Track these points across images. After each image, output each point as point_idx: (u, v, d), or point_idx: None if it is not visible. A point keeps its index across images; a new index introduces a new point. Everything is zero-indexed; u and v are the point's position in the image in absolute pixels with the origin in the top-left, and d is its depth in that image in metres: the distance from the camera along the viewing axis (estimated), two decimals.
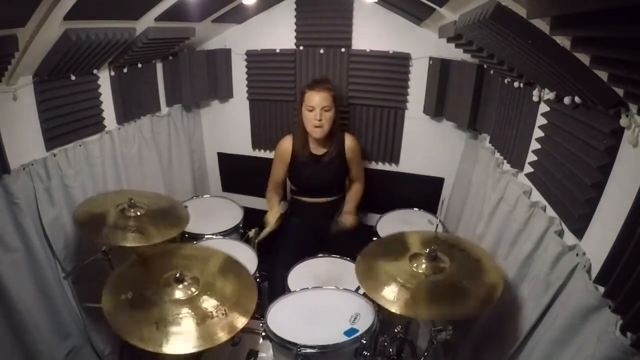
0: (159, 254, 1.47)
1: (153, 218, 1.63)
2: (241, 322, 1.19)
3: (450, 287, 1.26)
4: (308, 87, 2.04)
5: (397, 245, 1.47)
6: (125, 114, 2.07)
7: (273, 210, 2.15)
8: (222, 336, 1.14)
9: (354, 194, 2.24)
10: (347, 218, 2.10)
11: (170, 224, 1.63)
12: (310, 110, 1.99)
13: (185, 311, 1.20)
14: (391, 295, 1.22)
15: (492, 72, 1.80)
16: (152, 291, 1.26)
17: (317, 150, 2.13)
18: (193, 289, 1.28)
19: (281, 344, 1.30)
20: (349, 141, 2.16)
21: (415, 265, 1.34)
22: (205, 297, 1.26)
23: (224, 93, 2.61)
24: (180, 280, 1.28)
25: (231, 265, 1.44)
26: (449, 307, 1.20)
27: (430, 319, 1.21)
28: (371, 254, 1.45)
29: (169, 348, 1.08)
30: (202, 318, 1.18)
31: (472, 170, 2.00)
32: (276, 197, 2.25)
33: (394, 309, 1.19)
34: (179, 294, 1.26)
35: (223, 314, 1.20)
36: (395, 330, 1.52)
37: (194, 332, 1.14)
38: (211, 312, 1.20)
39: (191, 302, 1.24)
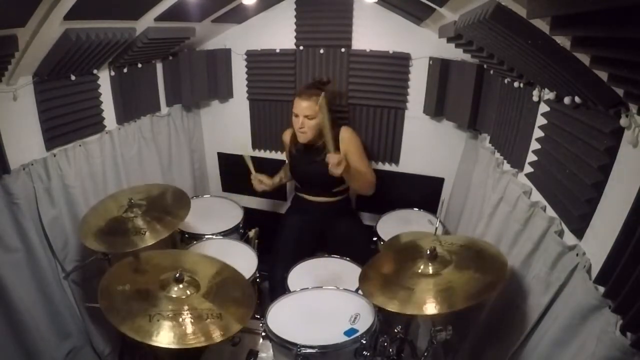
0: (156, 258, 1.46)
1: (155, 211, 1.63)
2: (234, 328, 1.19)
3: (458, 279, 1.25)
4: (298, 92, 2.04)
5: (403, 256, 1.46)
6: (125, 114, 2.07)
7: (268, 178, 2.22)
8: (217, 336, 1.15)
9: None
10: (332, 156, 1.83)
11: (174, 210, 1.65)
12: (296, 116, 2.00)
13: (179, 309, 1.20)
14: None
15: (492, 72, 1.80)
16: (150, 286, 1.27)
17: (315, 146, 2.12)
18: (190, 291, 1.29)
19: (281, 344, 1.30)
20: (343, 134, 2.07)
21: (421, 267, 1.33)
22: (201, 299, 1.26)
23: (224, 93, 2.60)
24: (179, 280, 1.28)
25: (230, 275, 1.44)
26: (461, 297, 1.18)
27: (446, 312, 1.18)
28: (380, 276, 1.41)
29: (159, 340, 1.09)
30: (197, 319, 1.19)
31: (472, 170, 2.00)
32: (281, 173, 2.35)
33: (410, 311, 1.18)
34: (176, 292, 1.27)
35: (217, 317, 1.20)
36: (395, 330, 1.52)
37: (186, 329, 1.14)
38: (206, 314, 1.20)
39: (186, 302, 1.24)
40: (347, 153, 2.07)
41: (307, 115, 1.97)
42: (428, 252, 1.33)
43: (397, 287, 1.27)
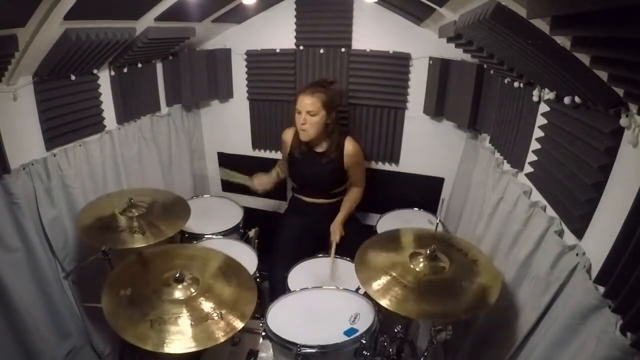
0: (160, 254, 1.47)
1: (155, 215, 1.63)
2: (237, 326, 1.18)
3: (444, 287, 1.27)
4: (301, 89, 2.04)
5: (396, 241, 1.49)
6: (125, 114, 2.07)
7: (266, 175, 2.25)
8: (219, 338, 1.13)
9: (349, 199, 2.19)
10: (333, 228, 2.07)
11: (172, 219, 1.64)
12: (299, 113, 2.00)
13: (181, 311, 1.20)
14: (377, 287, 1.25)
15: (492, 72, 1.80)
16: (151, 289, 1.27)
17: (317, 147, 2.12)
18: (192, 290, 1.28)
19: (281, 344, 1.30)
20: (349, 147, 2.09)
21: (413, 263, 1.34)
22: (202, 298, 1.26)
23: (224, 93, 2.60)
24: (179, 280, 1.28)
25: (232, 267, 1.44)
26: (440, 307, 1.21)
27: (419, 318, 1.22)
28: (371, 246, 1.47)
29: (163, 347, 1.08)
30: (198, 319, 1.18)
31: (472, 170, 2.00)
32: (277, 168, 2.31)
33: (384, 302, 1.20)
34: (177, 293, 1.26)
35: (218, 317, 1.19)
36: (395, 330, 1.52)
37: (188, 333, 1.14)
38: (207, 313, 1.20)
39: (189, 303, 1.24)
40: (349, 167, 2.12)
41: (309, 111, 1.96)
42: (428, 252, 1.33)
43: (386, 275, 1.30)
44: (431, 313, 1.22)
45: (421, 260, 1.34)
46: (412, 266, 1.34)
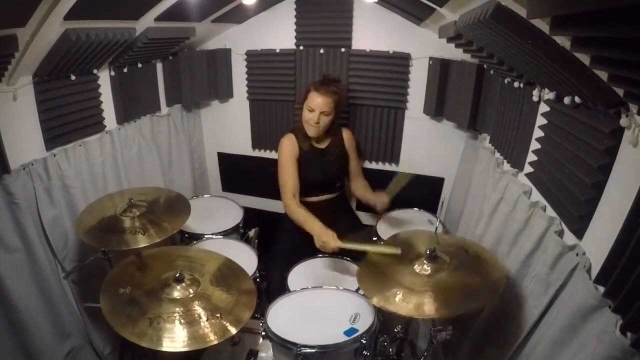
0: (160, 255, 1.47)
1: (156, 213, 1.64)
2: (234, 328, 1.18)
3: (455, 283, 1.26)
4: (314, 86, 2.00)
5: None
6: (125, 114, 2.07)
7: (320, 226, 1.78)
8: (214, 339, 1.13)
9: (367, 189, 2.22)
10: (382, 197, 2.03)
11: (174, 215, 1.64)
12: (310, 111, 1.98)
13: (180, 311, 1.20)
14: (398, 300, 1.22)
15: (492, 72, 1.80)
16: (151, 288, 1.27)
17: (320, 144, 2.12)
18: (191, 290, 1.28)
19: (281, 344, 1.30)
20: (346, 135, 2.20)
21: (416, 267, 1.34)
22: (202, 299, 1.26)
23: (224, 93, 2.60)
24: (179, 280, 1.28)
25: (232, 270, 1.44)
26: (458, 303, 1.20)
27: (441, 317, 1.20)
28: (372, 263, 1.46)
29: (160, 345, 1.09)
30: (195, 320, 1.18)
31: (472, 170, 2.00)
32: (305, 209, 1.96)
33: (405, 312, 1.19)
34: (176, 293, 1.26)
35: (217, 318, 1.20)
36: (395, 330, 1.52)
37: (185, 332, 1.14)
38: (205, 314, 1.20)
39: (187, 303, 1.24)
40: (350, 152, 2.20)
41: (323, 111, 1.96)
42: (427, 253, 1.33)
43: (392, 284, 1.29)
44: (453, 310, 1.20)
45: (424, 262, 1.34)
46: (416, 270, 1.33)
